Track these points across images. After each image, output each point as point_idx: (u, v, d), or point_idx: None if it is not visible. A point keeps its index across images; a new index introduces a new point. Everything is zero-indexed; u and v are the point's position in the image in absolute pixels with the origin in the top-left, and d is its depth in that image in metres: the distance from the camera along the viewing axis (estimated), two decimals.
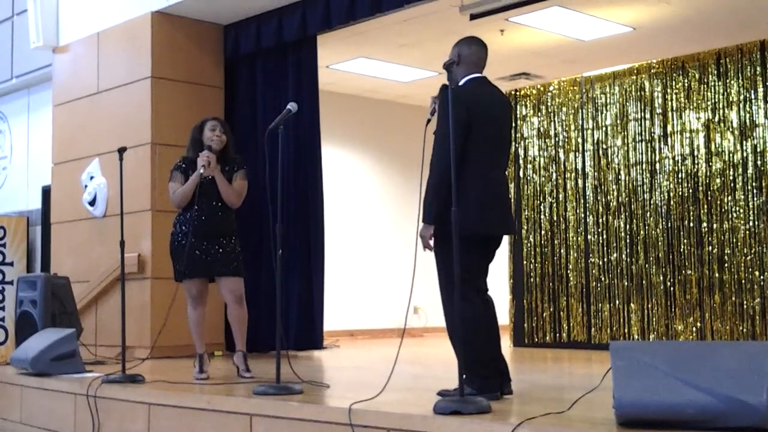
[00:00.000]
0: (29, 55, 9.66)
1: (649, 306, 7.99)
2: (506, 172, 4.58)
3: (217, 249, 5.64)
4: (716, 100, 7.77)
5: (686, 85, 7.95)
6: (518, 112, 9.04)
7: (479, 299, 4.32)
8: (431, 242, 4.30)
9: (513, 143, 8.77)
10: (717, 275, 7.64)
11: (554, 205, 8.70)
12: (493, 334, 4.37)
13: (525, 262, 8.85)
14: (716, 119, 7.75)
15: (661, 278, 7.93)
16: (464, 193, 4.13)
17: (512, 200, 8.63)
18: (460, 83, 4.43)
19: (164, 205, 7.93)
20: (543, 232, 8.74)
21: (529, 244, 8.83)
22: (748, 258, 7.49)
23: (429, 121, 4.36)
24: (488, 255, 4.45)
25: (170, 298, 5.93)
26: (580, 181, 8.56)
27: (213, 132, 5.72)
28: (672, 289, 7.87)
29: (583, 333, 8.39)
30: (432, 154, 4.26)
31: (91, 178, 8.56)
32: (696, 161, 7.84)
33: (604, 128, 8.45)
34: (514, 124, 8.91)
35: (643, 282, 8.04)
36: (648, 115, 8.16)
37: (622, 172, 8.27)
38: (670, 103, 8.04)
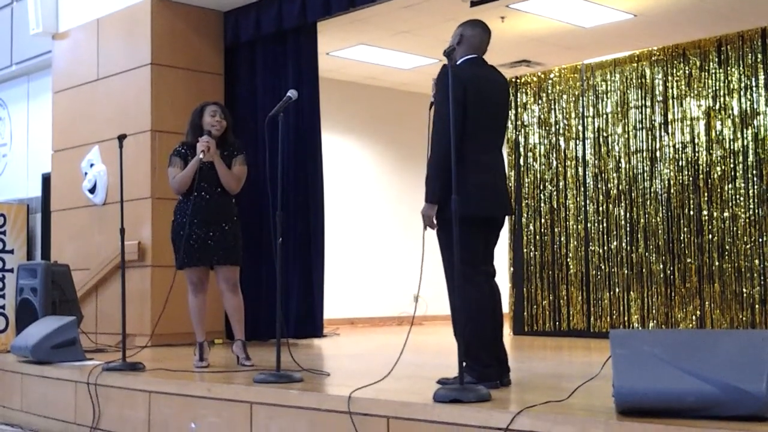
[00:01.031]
0: (29, 41, 9.63)
1: (649, 294, 7.99)
2: (502, 152, 4.56)
3: (217, 235, 5.63)
4: (717, 87, 7.75)
5: (687, 72, 7.93)
6: (518, 99, 9.03)
7: (485, 282, 4.30)
8: (434, 221, 4.28)
9: (511, 126, 8.79)
10: (717, 263, 7.64)
11: (554, 193, 8.69)
12: (497, 319, 4.37)
13: (525, 250, 8.86)
14: (717, 107, 7.74)
15: (661, 266, 7.93)
16: (462, 174, 4.13)
17: (511, 186, 8.83)
18: (457, 62, 4.42)
19: (164, 192, 7.92)
20: (543, 220, 8.73)
21: (529, 232, 8.83)
22: (748, 246, 7.49)
23: (432, 104, 4.35)
24: (490, 236, 4.44)
25: (170, 286, 5.92)
26: (580, 169, 8.55)
27: (213, 117, 5.69)
28: (672, 277, 7.87)
29: (583, 321, 8.40)
30: (431, 134, 4.25)
31: (91, 165, 8.56)
32: (696, 149, 7.83)
33: (604, 116, 8.43)
34: (513, 107, 8.91)
35: (643, 270, 8.04)
36: (649, 103, 8.14)
37: (622, 160, 8.26)
38: (670, 90, 8.02)
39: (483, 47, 4.49)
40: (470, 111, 4.24)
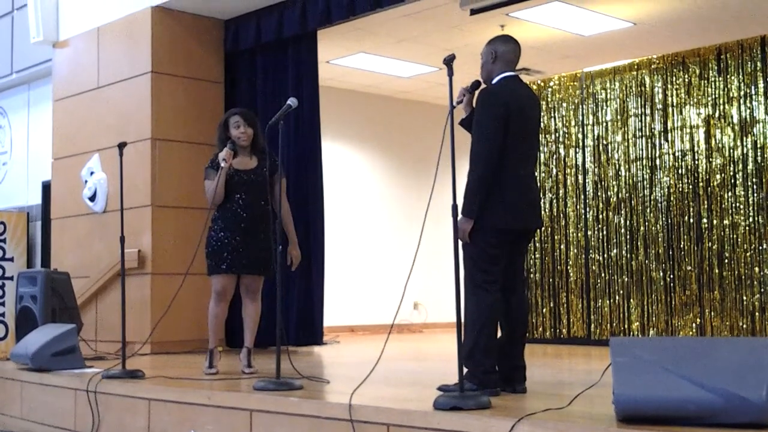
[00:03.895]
0: (29, 50, 9.65)
1: (649, 302, 7.99)
2: (535, 169, 4.67)
3: (252, 244, 5.63)
4: (716, 95, 7.76)
5: (686, 80, 7.94)
6: None
7: (497, 290, 4.32)
8: (467, 235, 4.32)
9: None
10: (717, 271, 7.63)
11: (554, 200, 8.70)
12: (515, 328, 4.43)
13: (525, 258, 8.85)
14: (716, 115, 7.75)
15: (661, 274, 7.93)
16: (500, 188, 4.28)
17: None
18: (494, 81, 4.51)
19: (164, 200, 7.95)
20: (543, 228, 8.73)
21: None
22: (748, 254, 7.49)
23: (452, 109, 4.36)
24: (522, 246, 4.55)
25: (171, 294, 5.92)
26: (580, 177, 8.56)
27: (238, 129, 5.70)
28: (672, 285, 7.87)
29: (583, 329, 8.40)
30: (471, 150, 4.32)
31: (92, 173, 8.56)
32: (696, 157, 7.84)
33: (604, 124, 8.44)
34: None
35: (643, 278, 8.04)
36: (648, 111, 8.15)
37: (622, 168, 8.27)
38: (670, 98, 8.03)
39: (516, 62, 4.60)
40: (511, 128, 4.33)
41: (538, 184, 8.69)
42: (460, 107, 4.52)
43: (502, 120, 4.30)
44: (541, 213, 4.71)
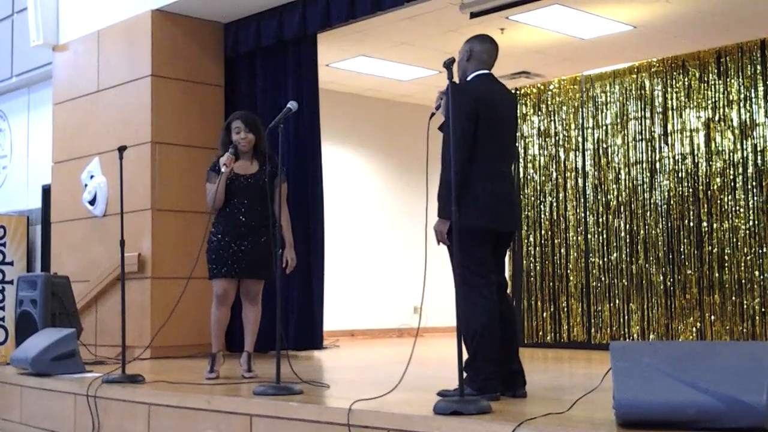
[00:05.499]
0: (29, 53, 9.65)
1: (649, 306, 7.99)
2: (512, 168, 4.61)
3: (251, 248, 5.64)
4: (716, 98, 7.76)
5: (686, 83, 7.94)
6: (518, 110, 9.03)
7: (494, 293, 4.31)
8: (445, 236, 4.30)
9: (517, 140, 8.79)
10: (717, 275, 7.63)
11: (554, 204, 8.70)
12: (509, 331, 4.40)
13: (525, 262, 8.85)
14: (716, 118, 7.75)
15: (661, 278, 7.93)
16: (473, 187, 4.23)
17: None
18: (468, 78, 4.48)
19: (164, 204, 7.94)
20: (543, 232, 8.73)
21: (529, 244, 8.82)
22: (748, 258, 7.49)
23: (433, 114, 4.37)
24: (501, 247, 4.50)
25: (171, 298, 5.91)
26: (580, 181, 8.56)
27: (238, 135, 5.71)
28: (672, 288, 7.87)
29: (583, 333, 8.39)
30: (442, 150, 4.28)
31: (91, 177, 8.56)
32: (696, 160, 7.84)
33: (604, 127, 8.44)
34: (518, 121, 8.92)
35: (643, 282, 8.04)
36: (648, 114, 8.15)
37: (622, 172, 8.27)
38: (670, 101, 8.03)
39: (491, 62, 4.56)
40: (482, 125, 4.30)
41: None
42: (439, 112, 4.48)
43: (472, 115, 4.25)
44: (519, 214, 4.66)
